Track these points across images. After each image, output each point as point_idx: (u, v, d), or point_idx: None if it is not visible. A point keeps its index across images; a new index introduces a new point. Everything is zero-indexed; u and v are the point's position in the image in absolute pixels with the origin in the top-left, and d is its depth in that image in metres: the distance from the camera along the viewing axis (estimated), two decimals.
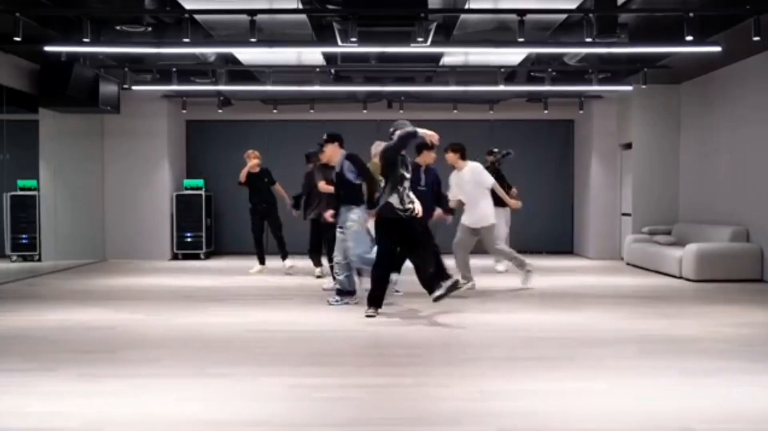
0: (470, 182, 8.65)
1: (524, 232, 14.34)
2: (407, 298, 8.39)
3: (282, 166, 13.16)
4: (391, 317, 7.26)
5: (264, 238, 11.16)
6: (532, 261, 10.05)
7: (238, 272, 11.48)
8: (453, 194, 8.65)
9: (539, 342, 6.13)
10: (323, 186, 8.93)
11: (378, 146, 8.27)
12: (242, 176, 10.89)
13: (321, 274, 10.41)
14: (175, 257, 13.09)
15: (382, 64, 11.01)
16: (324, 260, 10.12)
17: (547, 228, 14.91)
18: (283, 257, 11.14)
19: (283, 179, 11.70)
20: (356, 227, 7.60)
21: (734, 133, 11.30)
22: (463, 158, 8.78)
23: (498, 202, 9.31)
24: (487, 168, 9.23)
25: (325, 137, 7.94)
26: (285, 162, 13.71)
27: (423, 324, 6.98)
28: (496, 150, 11.21)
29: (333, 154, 7.86)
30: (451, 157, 8.75)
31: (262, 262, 11.18)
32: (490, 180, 8.74)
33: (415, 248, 7.19)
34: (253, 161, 10.91)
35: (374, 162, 8.24)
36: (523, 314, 7.51)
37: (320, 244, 10.09)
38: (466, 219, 8.80)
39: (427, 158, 8.40)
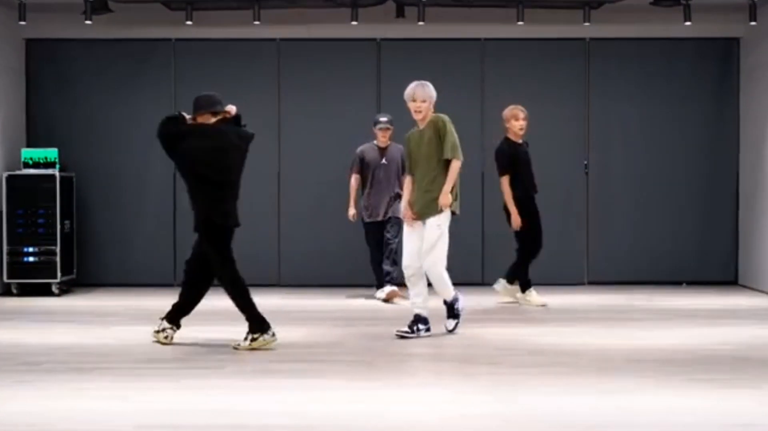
0: None
1: (643, 247, 13.48)
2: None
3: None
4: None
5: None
6: (666, 301, 11.14)
7: (127, 317, 11.00)
8: None
9: None
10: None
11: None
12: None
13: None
14: (6, 291, 12.82)
15: None
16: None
17: (689, 240, 13.93)
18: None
19: None
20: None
21: None
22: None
23: None
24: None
25: None
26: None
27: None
28: None
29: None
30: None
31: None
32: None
33: None
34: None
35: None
36: (640, 396, 6.97)
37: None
38: None
39: None
